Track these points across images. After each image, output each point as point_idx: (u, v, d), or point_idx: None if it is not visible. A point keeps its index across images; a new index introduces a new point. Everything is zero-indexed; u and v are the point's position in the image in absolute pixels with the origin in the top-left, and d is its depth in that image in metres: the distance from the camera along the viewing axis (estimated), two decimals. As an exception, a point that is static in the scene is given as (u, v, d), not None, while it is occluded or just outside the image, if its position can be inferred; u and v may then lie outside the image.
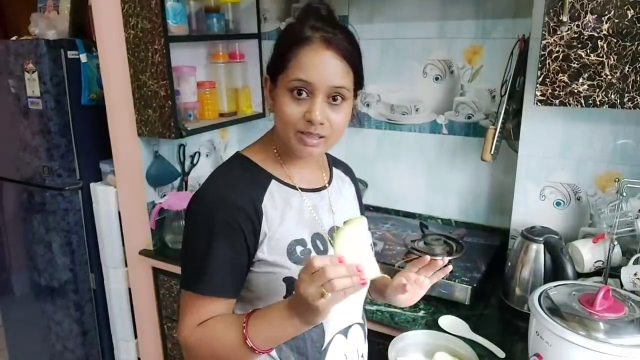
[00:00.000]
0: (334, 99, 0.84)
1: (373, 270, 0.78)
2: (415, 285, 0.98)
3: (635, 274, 1.21)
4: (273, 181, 0.89)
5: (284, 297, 0.85)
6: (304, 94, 0.82)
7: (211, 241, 0.83)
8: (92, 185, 1.99)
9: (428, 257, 0.97)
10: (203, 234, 0.84)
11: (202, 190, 0.88)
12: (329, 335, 0.92)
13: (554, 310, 1.01)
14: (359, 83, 0.88)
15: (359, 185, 1.13)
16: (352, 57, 0.85)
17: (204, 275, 0.83)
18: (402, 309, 1.39)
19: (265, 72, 0.90)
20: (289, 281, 0.86)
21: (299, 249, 0.88)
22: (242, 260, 0.85)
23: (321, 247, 0.91)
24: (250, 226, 0.84)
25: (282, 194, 0.89)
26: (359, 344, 1.00)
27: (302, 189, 0.93)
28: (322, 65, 0.82)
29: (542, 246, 1.32)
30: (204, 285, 0.84)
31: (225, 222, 0.83)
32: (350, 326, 0.97)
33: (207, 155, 2.00)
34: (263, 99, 2.04)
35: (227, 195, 0.85)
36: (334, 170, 1.04)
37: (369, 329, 1.23)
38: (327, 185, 0.98)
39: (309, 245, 0.89)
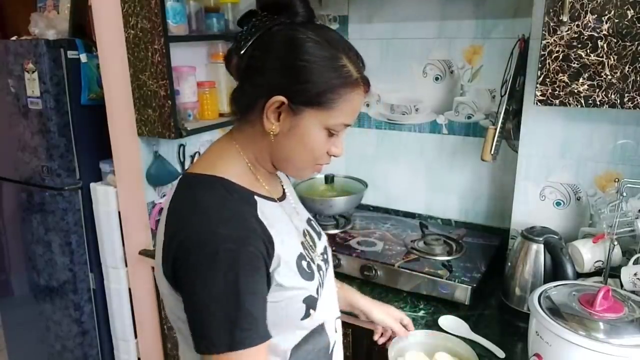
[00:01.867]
0: None
1: None
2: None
3: (635, 274, 1.21)
4: (257, 198, 0.81)
5: (302, 319, 0.81)
6: (335, 133, 0.81)
7: (250, 280, 0.72)
8: (92, 185, 1.98)
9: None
10: (240, 276, 0.70)
11: (204, 227, 0.72)
12: (330, 338, 0.92)
13: (554, 310, 1.01)
14: None
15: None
16: None
17: (256, 320, 0.72)
18: (402, 309, 1.39)
19: (273, 90, 0.76)
20: (308, 300, 0.81)
21: (304, 264, 0.82)
22: (266, 295, 0.77)
23: (311, 255, 0.87)
24: (266, 252, 0.75)
25: (269, 209, 0.81)
26: (340, 335, 1.00)
27: (278, 199, 0.88)
28: (360, 107, 0.82)
29: (542, 246, 1.32)
30: (261, 333, 0.73)
31: (254, 255, 0.72)
32: (335, 323, 0.97)
33: (207, 155, 2.00)
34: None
35: (240, 224, 0.74)
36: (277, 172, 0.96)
37: (368, 329, 1.24)
38: (284, 189, 0.95)
39: (307, 258, 0.85)
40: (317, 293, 0.84)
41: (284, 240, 0.79)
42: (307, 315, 0.82)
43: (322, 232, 0.99)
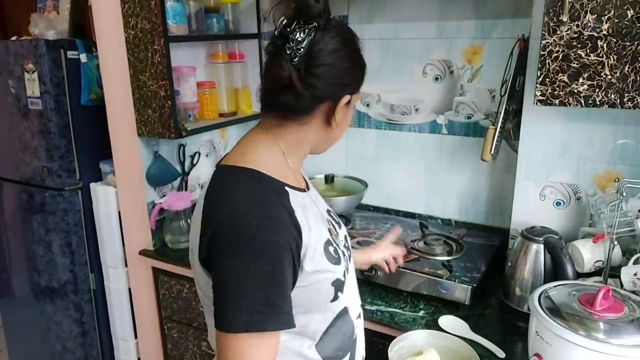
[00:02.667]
0: None
1: None
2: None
3: (635, 274, 1.21)
4: (287, 189, 0.84)
5: (331, 301, 0.86)
6: None
7: (274, 267, 0.75)
8: (92, 185, 1.99)
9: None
10: (264, 262, 0.74)
11: (236, 214, 0.76)
12: (355, 324, 0.95)
13: (554, 310, 1.01)
14: None
15: None
16: None
17: (278, 306, 0.75)
18: (402, 308, 1.39)
19: (342, 91, 0.85)
20: (337, 283, 0.85)
21: (331, 249, 0.86)
22: (291, 284, 0.80)
23: (337, 239, 0.92)
24: (295, 243, 0.78)
25: (298, 199, 0.85)
26: (362, 322, 1.03)
27: (305, 189, 0.93)
28: None
29: (542, 246, 1.32)
30: (282, 320, 0.76)
31: (280, 244, 0.76)
32: (360, 310, 1.01)
33: (207, 155, 2.00)
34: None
35: (269, 213, 0.77)
36: None
37: (369, 329, 1.24)
38: (305, 179, 0.98)
39: (334, 243, 0.88)
40: (344, 277, 0.88)
41: (312, 227, 0.83)
42: (335, 297, 0.86)
43: (341, 222, 1.03)
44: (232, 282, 0.74)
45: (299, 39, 0.80)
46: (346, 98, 0.85)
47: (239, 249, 0.74)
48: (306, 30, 0.81)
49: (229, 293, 0.74)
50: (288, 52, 0.80)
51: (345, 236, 1.00)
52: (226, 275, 0.75)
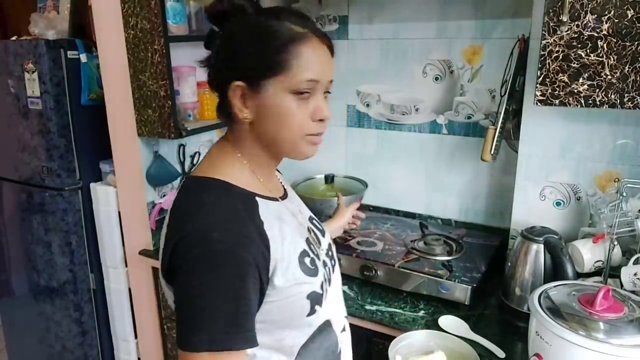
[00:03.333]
0: (327, 92, 0.83)
1: None
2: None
3: (635, 274, 1.21)
4: (258, 199, 0.80)
5: (307, 315, 0.81)
6: (306, 94, 0.78)
7: (239, 284, 0.71)
8: (92, 185, 1.98)
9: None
10: (228, 279, 0.71)
11: (200, 229, 0.73)
12: (338, 337, 0.92)
13: (554, 310, 1.01)
14: None
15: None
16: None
17: (242, 326, 0.72)
18: (402, 308, 1.39)
19: (231, 78, 0.78)
20: (312, 296, 0.81)
21: (307, 260, 0.82)
22: (257, 303, 0.76)
23: (315, 251, 0.87)
24: (262, 258, 0.74)
25: (270, 210, 0.81)
26: (349, 335, 0.99)
27: (280, 198, 0.88)
28: (324, 61, 0.80)
29: (542, 246, 1.32)
30: (246, 339, 0.72)
31: (246, 261, 0.72)
32: (345, 322, 0.97)
33: (207, 156, 2.00)
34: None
35: (235, 228, 0.73)
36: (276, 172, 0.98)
37: (369, 329, 1.24)
38: (284, 187, 0.95)
39: (311, 254, 0.85)
40: (322, 289, 0.84)
41: (286, 239, 0.80)
42: (312, 311, 0.82)
43: (326, 230, 1.00)
44: (194, 300, 0.71)
45: (215, 28, 0.81)
46: (234, 86, 0.78)
47: (202, 265, 0.71)
48: (222, 20, 0.80)
49: (190, 311, 0.71)
50: (210, 60, 0.83)
51: (330, 244, 0.97)
52: (188, 293, 0.72)
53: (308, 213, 0.98)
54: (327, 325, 0.87)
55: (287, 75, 0.76)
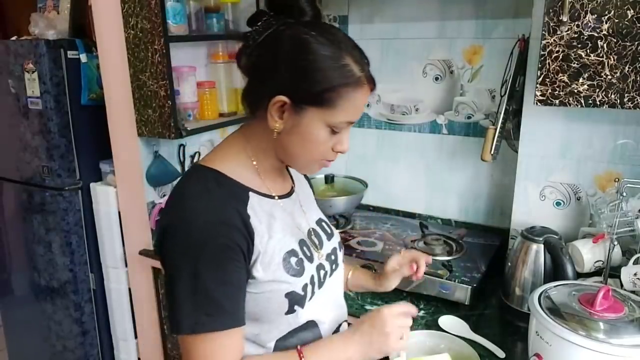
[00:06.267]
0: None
1: None
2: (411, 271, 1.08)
3: (635, 274, 1.21)
4: (251, 194, 0.83)
5: (286, 314, 0.83)
6: (337, 130, 0.82)
7: (220, 269, 0.75)
8: (92, 185, 1.99)
9: (430, 259, 1.05)
10: (209, 264, 0.74)
11: (184, 216, 0.76)
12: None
13: (554, 310, 1.01)
14: None
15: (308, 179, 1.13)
16: None
17: (223, 307, 0.75)
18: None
19: (277, 90, 0.78)
20: (291, 296, 0.82)
21: (293, 260, 0.84)
22: (245, 283, 0.80)
23: (308, 253, 0.89)
24: (246, 245, 0.78)
25: (263, 206, 0.84)
26: None
27: (279, 197, 0.90)
28: (364, 104, 0.83)
29: (542, 246, 1.32)
30: (227, 319, 0.76)
31: (226, 246, 0.75)
32: (340, 325, 0.97)
33: (207, 155, 2.00)
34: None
35: (218, 215, 0.77)
36: (289, 169, 0.99)
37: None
38: (294, 187, 0.97)
39: (300, 255, 0.86)
40: (304, 290, 0.85)
41: (273, 236, 0.82)
42: (291, 311, 0.83)
43: (336, 234, 1.01)
44: (178, 286, 0.75)
45: (261, 29, 0.81)
46: (278, 99, 0.78)
47: (184, 253, 0.75)
48: (273, 22, 0.80)
49: (175, 296, 0.75)
50: (250, 41, 0.82)
51: (335, 248, 0.98)
52: (172, 279, 0.76)
53: (317, 215, 0.99)
54: (312, 325, 0.89)
55: (330, 112, 0.79)
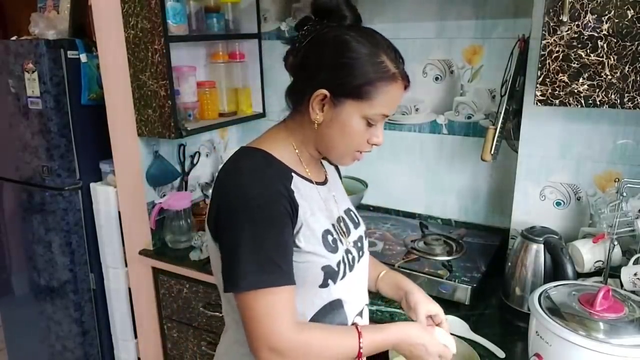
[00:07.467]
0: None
1: None
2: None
3: (635, 274, 1.21)
4: (294, 175, 0.91)
5: (320, 286, 0.90)
6: (373, 123, 0.89)
7: (277, 232, 0.83)
8: (92, 185, 1.99)
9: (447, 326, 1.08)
10: (268, 227, 0.82)
11: (242, 188, 0.84)
12: (350, 318, 0.97)
13: (554, 310, 1.01)
14: None
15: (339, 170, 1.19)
16: None
17: (280, 266, 0.82)
18: (402, 308, 1.38)
19: (319, 85, 0.86)
20: (327, 269, 0.89)
21: (329, 238, 0.91)
22: (292, 249, 0.88)
23: (342, 238, 0.95)
24: (294, 215, 0.86)
25: (304, 187, 0.92)
26: (366, 321, 1.05)
27: (317, 183, 0.97)
28: (399, 99, 0.91)
29: (542, 246, 1.32)
30: (284, 277, 0.83)
31: (281, 212, 0.84)
32: (362, 308, 1.02)
33: (207, 155, 2.00)
34: (263, 99, 2.04)
35: (271, 187, 0.85)
36: (323, 161, 1.07)
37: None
38: (327, 177, 1.04)
39: (335, 235, 0.93)
40: (338, 267, 0.91)
41: (314, 213, 0.90)
42: (325, 284, 0.90)
43: (362, 224, 1.07)
44: (239, 249, 0.81)
45: (306, 33, 0.89)
46: (320, 92, 0.86)
47: (244, 218, 0.82)
48: (317, 26, 0.89)
49: (238, 257, 0.81)
50: (296, 43, 0.90)
51: (361, 237, 1.04)
52: (232, 242, 0.83)
53: (347, 205, 1.06)
54: (338, 305, 0.94)
55: (367, 105, 0.87)
